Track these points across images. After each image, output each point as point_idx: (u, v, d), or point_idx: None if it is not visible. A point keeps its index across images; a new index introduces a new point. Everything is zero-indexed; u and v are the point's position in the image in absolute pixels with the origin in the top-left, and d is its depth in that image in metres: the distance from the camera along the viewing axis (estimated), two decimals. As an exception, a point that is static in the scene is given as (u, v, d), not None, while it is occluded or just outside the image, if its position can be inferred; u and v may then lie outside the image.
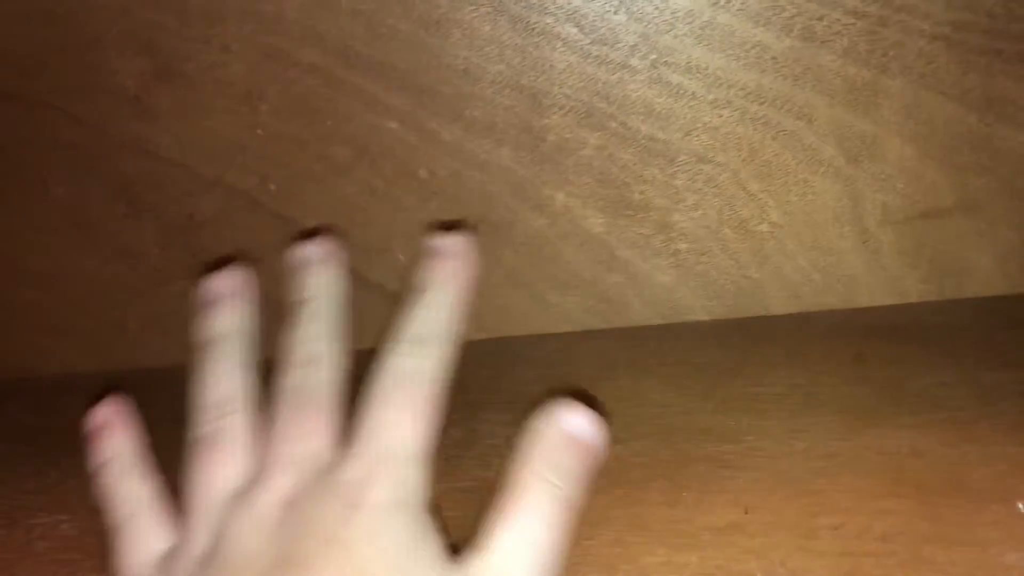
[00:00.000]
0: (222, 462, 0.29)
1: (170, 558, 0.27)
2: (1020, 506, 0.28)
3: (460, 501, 0.32)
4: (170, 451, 0.38)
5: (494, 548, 0.25)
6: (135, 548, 0.28)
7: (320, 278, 0.34)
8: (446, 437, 0.36)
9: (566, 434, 0.27)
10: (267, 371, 0.43)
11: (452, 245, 0.33)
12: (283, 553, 0.24)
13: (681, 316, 0.41)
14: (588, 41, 0.37)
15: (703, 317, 0.41)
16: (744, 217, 0.39)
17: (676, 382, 0.37)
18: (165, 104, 0.39)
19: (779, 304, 0.41)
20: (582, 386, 0.38)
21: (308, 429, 0.28)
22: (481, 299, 0.42)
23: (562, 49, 0.37)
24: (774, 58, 0.36)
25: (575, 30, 0.37)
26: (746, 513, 0.30)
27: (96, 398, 0.43)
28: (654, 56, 0.37)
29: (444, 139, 0.39)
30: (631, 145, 0.38)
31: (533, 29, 0.37)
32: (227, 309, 0.33)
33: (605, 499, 0.31)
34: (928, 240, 0.39)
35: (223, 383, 0.31)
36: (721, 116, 0.37)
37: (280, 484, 0.27)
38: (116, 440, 0.31)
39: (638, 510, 0.31)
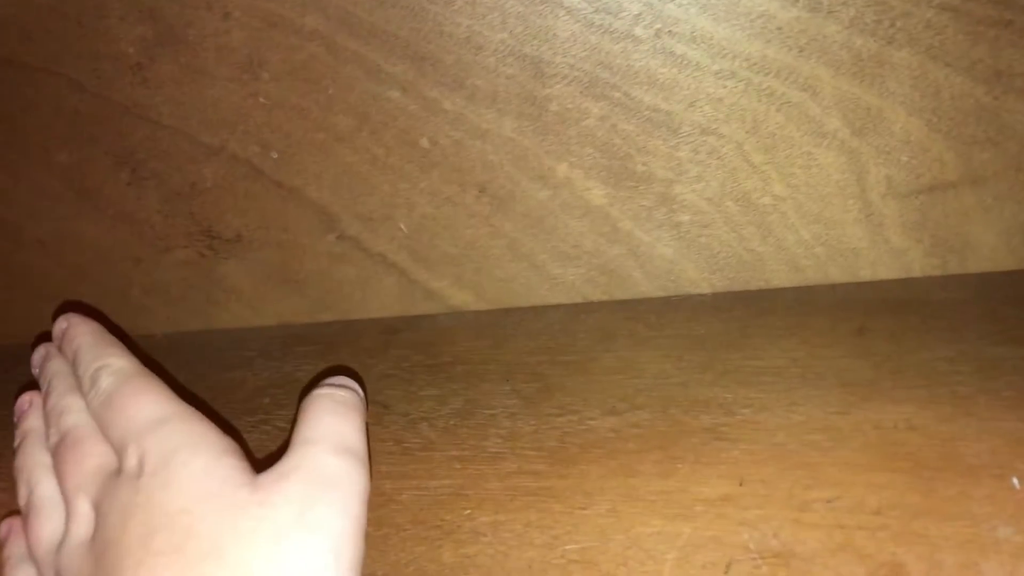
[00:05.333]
0: (41, 521, 0.30)
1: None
2: (1014, 481, 0.28)
3: (457, 470, 0.33)
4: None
5: (293, 446, 0.27)
6: (41, 528, 0.29)
7: (48, 360, 0.35)
8: (444, 407, 0.36)
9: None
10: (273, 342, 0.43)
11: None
12: (111, 539, 0.25)
13: (682, 288, 0.41)
14: (592, 10, 0.36)
15: (704, 290, 0.41)
16: (747, 189, 0.39)
17: (674, 354, 0.37)
18: (167, 71, 0.39)
19: (781, 277, 0.40)
20: (580, 357, 0.38)
21: (82, 454, 0.29)
22: (482, 270, 0.42)
23: (565, 18, 0.37)
24: (779, 28, 0.36)
25: (578, -2, 0.36)
26: (740, 485, 0.30)
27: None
28: (658, 26, 0.36)
29: (446, 108, 0.39)
30: (634, 116, 0.38)
31: (536, -3, 0.37)
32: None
33: (600, 469, 0.32)
34: (932, 214, 0.39)
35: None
36: (725, 87, 0.37)
37: (83, 509, 0.28)
38: (31, 421, 0.33)
39: (632, 481, 0.31)
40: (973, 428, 0.31)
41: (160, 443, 0.27)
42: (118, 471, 0.28)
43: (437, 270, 0.42)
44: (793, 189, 0.39)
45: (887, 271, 0.40)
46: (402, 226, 0.41)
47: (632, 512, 0.30)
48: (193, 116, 0.40)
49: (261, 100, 0.39)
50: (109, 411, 0.29)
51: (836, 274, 0.40)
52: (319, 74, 0.39)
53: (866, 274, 0.40)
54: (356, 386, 0.29)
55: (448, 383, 0.38)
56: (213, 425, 0.28)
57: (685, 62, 0.37)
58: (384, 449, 0.34)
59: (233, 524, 0.24)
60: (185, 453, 0.26)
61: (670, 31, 0.36)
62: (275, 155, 0.40)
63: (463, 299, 0.43)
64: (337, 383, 0.29)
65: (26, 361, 0.45)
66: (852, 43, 0.36)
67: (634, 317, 0.40)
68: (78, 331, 0.34)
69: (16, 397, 0.42)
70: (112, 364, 0.31)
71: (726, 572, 0.27)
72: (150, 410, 0.28)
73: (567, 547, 0.29)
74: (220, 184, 0.41)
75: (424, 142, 0.39)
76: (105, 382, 0.30)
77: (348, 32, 0.38)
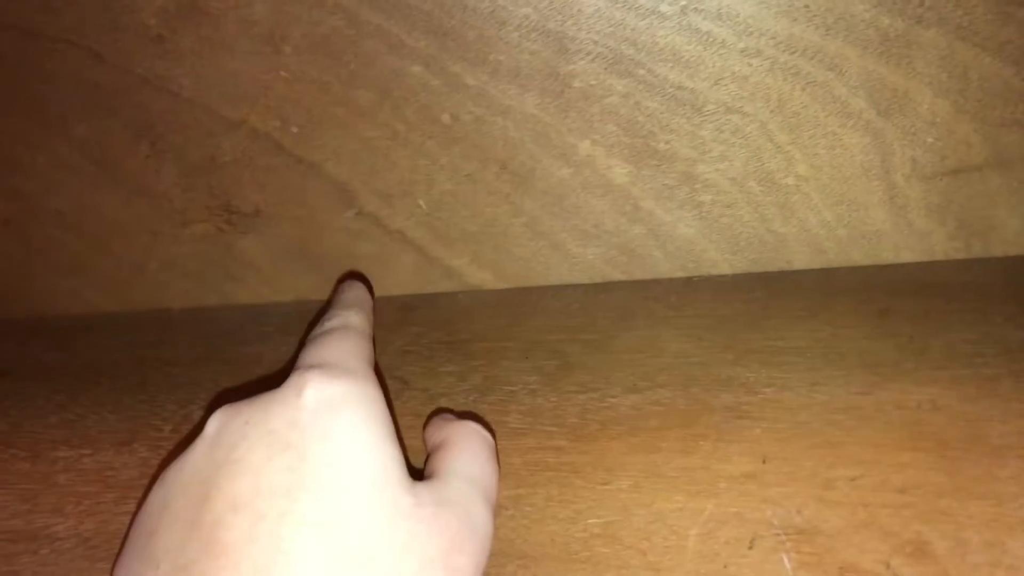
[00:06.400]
0: None
1: None
2: (1041, 461, 0.28)
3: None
4: (189, 389, 0.38)
5: (452, 475, 0.26)
6: None
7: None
8: (464, 383, 0.36)
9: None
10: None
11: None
12: (233, 458, 0.24)
13: (703, 269, 0.41)
14: (617, -14, 0.36)
15: (725, 271, 0.41)
16: (771, 169, 0.39)
17: (695, 334, 0.37)
18: (188, 43, 0.39)
19: (803, 259, 0.40)
20: (600, 336, 0.38)
21: None
22: (501, 248, 0.42)
23: (590, -7, 0.36)
24: (806, 6, 0.36)
25: (604, -26, 0.36)
26: (763, 463, 0.30)
27: (116, 337, 0.44)
28: (684, 2, 0.36)
29: (468, 84, 0.38)
30: (658, 93, 0.38)
31: (561, -28, 0.36)
32: None
33: (622, 446, 0.31)
34: (957, 197, 0.38)
35: None
36: (751, 65, 0.37)
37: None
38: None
39: (654, 457, 0.31)
40: (998, 409, 0.31)
41: (332, 388, 0.25)
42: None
43: (456, 248, 0.42)
44: (817, 170, 0.38)
45: (910, 254, 0.40)
46: (421, 203, 0.41)
47: (654, 488, 0.29)
48: (213, 89, 0.40)
49: (282, 74, 0.39)
50: (312, 343, 0.29)
51: (858, 256, 0.40)
52: (341, 48, 0.38)
53: (889, 256, 0.40)
54: None
55: (467, 360, 0.38)
56: (386, 406, 0.26)
57: (710, 39, 0.37)
58: (404, 424, 0.34)
59: (389, 530, 0.23)
60: (354, 417, 0.25)
61: (696, 8, 0.36)
62: (295, 130, 0.40)
63: (482, 277, 0.43)
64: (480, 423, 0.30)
65: (43, 334, 0.45)
66: (880, 22, 0.36)
67: (654, 297, 0.40)
68: (351, 289, 0.36)
69: (36, 370, 0.42)
70: (348, 315, 0.31)
71: (750, 548, 0.27)
72: (342, 356, 0.27)
73: (589, 521, 0.29)
74: (239, 158, 0.41)
75: (445, 118, 0.39)
76: (330, 323, 0.31)
77: (371, 6, 0.38)
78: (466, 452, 0.28)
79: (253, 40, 0.39)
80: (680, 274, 0.41)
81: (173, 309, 0.45)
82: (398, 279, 0.43)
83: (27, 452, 0.36)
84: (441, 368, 0.37)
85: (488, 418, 0.34)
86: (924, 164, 0.38)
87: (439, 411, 0.34)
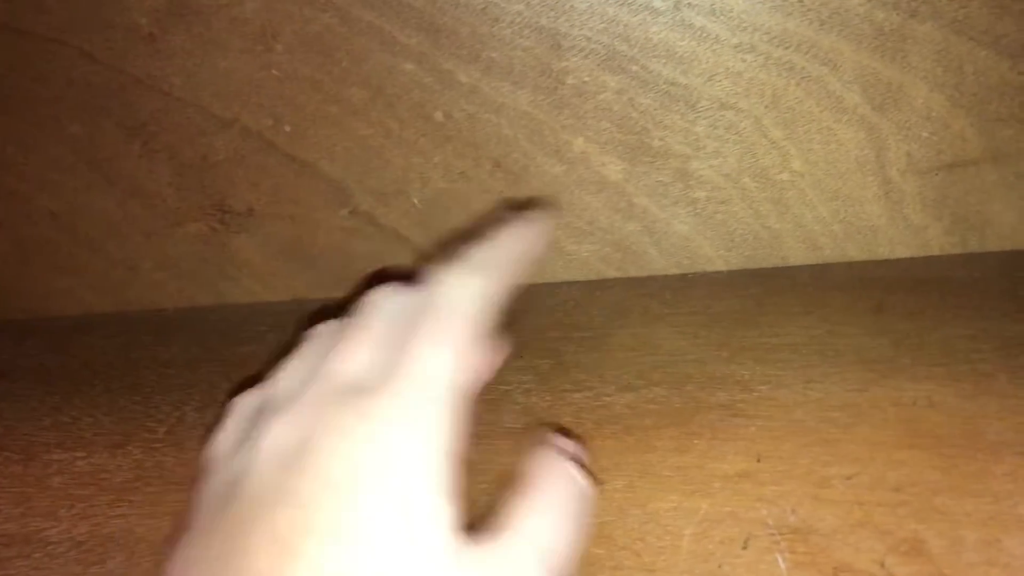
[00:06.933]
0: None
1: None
2: (1037, 458, 0.28)
3: (472, 445, 0.32)
4: (183, 391, 0.38)
5: (518, 537, 0.22)
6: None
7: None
8: (458, 382, 0.36)
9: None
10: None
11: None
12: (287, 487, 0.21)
13: (698, 266, 0.41)
14: (609, -19, 0.36)
15: (720, 267, 0.41)
16: (765, 165, 0.38)
17: (690, 331, 0.37)
18: (179, 42, 0.39)
19: (798, 255, 0.40)
20: (594, 333, 0.38)
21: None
22: (496, 246, 0.42)
23: (583, -11, 0.36)
24: (800, 0, 0.35)
25: (596, -31, 0.36)
26: (758, 461, 0.30)
27: (110, 338, 0.44)
28: (677, -3, 0.36)
29: (461, 81, 0.38)
30: (652, 90, 0.37)
31: (553, -32, 0.36)
32: None
33: (616, 445, 0.31)
34: (952, 192, 0.38)
35: None
36: (744, 61, 0.37)
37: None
38: None
39: (649, 456, 0.31)
40: (994, 406, 0.31)
41: (402, 417, 0.22)
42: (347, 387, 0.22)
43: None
44: (812, 165, 0.38)
45: (906, 249, 0.39)
46: (415, 201, 0.41)
47: (649, 488, 0.29)
48: (205, 88, 0.40)
49: (274, 72, 0.39)
50: (409, 327, 0.24)
51: (854, 252, 0.40)
52: (333, 46, 0.38)
53: (884, 252, 0.40)
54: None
55: (462, 358, 0.38)
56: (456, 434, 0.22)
57: (704, 35, 0.36)
58: (398, 424, 0.34)
59: None
60: (414, 456, 0.21)
61: (689, 3, 0.36)
62: (288, 128, 0.40)
63: (476, 275, 0.42)
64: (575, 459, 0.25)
65: (37, 335, 0.45)
66: (874, 16, 0.35)
67: (649, 294, 0.40)
68: (513, 231, 0.28)
69: (30, 372, 0.42)
70: (473, 284, 0.25)
71: (744, 548, 0.27)
72: (435, 371, 0.23)
73: (584, 521, 0.28)
74: (232, 157, 0.41)
75: (438, 115, 0.39)
76: (446, 294, 0.24)
77: (362, 3, 0.37)
78: (546, 507, 0.23)
79: (244, 38, 0.38)
80: (675, 271, 0.41)
81: (167, 309, 0.45)
82: (393, 277, 0.43)
83: (20, 455, 0.36)
84: (436, 367, 0.37)
85: (483, 418, 0.34)
86: (919, 159, 0.38)
87: (548, 427, 0.31)
